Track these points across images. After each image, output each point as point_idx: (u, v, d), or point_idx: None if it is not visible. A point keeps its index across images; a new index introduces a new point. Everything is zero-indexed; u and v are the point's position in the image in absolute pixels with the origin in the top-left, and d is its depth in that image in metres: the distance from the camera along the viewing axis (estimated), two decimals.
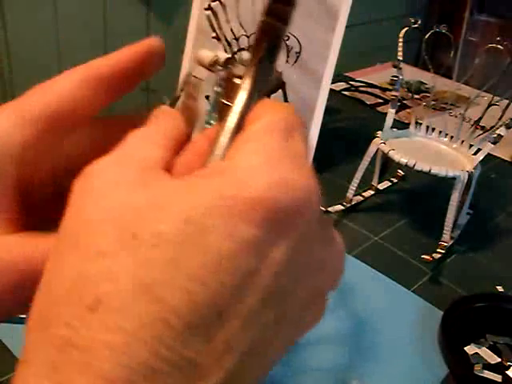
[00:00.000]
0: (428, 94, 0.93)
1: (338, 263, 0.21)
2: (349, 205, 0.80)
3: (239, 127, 0.20)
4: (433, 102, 0.83)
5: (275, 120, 0.20)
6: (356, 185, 0.79)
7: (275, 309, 0.18)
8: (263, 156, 0.18)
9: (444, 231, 0.71)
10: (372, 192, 0.86)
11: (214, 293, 0.16)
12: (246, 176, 0.18)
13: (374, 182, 0.87)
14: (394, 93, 0.81)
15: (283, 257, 0.18)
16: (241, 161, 0.18)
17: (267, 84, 0.21)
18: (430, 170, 0.69)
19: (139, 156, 0.19)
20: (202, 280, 0.16)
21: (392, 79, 0.81)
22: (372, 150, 0.76)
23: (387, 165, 0.85)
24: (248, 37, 0.80)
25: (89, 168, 0.19)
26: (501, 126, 0.72)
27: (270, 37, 0.21)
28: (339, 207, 0.80)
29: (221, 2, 0.70)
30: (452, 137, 0.80)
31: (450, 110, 0.91)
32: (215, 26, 0.73)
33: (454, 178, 0.70)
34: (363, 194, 0.85)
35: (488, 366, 0.55)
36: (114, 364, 0.15)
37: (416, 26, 0.80)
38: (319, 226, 0.19)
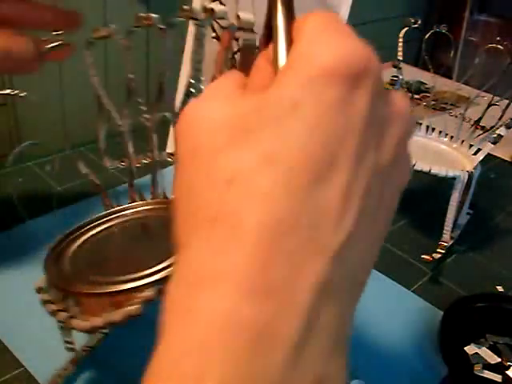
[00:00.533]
0: (428, 94, 0.93)
1: (404, 112, 0.24)
2: None
3: (290, 38, 0.23)
4: (433, 102, 0.83)
5: (316, 18, 0.23)
6: None
7: (372, 148, 0.22)
8: (322, 36, 0.22)
9: (444, 231, 0.71)
10: None
11: (322, 144, 0.20)
12: (316, 51, 0.21)
13: None
14: None
15: (366, 101, 0.21)
16: (303, 46, 0.22)
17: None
18: (429, 170, 0.69)
19: (223, 88, 0.23)
20: (305, 143, 0.20)
21: (392, 79, 0.81)
22: None
23: None
24: None
25: (188, 106, 0.23)
26: (501, 125, 0.72)
27: None
28: None
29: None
30: (452, 137, 0.80)
31: (450, 110, 0.91)
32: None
33: (453, 178, 0.70)
34: None
35: (488, 366, 0.55)
36: (257, 215, 0.19)
37: (416, 26, 0.80)
38: (382, 87, 0.23)
